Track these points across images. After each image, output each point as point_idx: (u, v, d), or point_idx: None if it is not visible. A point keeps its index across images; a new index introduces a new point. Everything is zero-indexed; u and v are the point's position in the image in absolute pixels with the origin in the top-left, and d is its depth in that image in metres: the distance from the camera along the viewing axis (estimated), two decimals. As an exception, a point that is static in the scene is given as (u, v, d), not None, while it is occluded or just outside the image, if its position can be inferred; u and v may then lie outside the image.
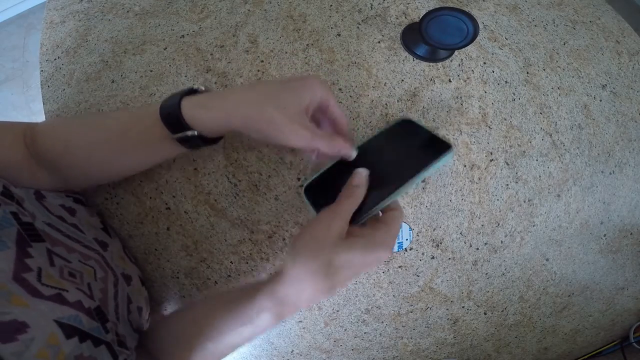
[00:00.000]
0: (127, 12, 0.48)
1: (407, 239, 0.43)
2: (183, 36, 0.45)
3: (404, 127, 0.39)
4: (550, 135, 0.46)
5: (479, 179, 0.44)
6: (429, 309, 0.47)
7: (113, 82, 0.44)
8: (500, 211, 0.45)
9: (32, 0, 1.60)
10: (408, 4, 0.47)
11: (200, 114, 0.30)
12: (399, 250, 0.44)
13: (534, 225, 0.46)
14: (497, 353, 0.53)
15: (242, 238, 0.43)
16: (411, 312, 0.47)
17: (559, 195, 0.46)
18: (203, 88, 0.33)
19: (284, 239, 0.43)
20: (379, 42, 0.45)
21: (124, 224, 0.43)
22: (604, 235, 0.50)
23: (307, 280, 0.29)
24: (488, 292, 0.48)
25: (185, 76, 0.44)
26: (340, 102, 0.43)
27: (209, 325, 0.33)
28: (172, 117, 0.30)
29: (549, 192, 0.46)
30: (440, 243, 0.44)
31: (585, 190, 0.47)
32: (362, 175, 0.32)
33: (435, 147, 0.34)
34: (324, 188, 0.35)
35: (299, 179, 0.42)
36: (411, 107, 0.43)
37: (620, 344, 0.56)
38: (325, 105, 0.32)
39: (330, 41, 0.45)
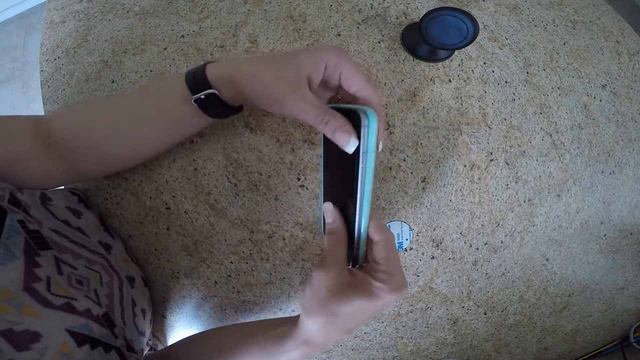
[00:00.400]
0: (127, 12, 0.48)
1: (407, 239, 0.43)
2: (183, 36, 0.45)
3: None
4: (550, 135, 0.46)
5: (479, 179, 0.44)
6: (429, 309, 0.47)
7: (113, 82, 0.44)
8: (500, 211, 0.45)
9: (32, 0, 1.60)
10: (408, 4, 0.47)
11: (218, 69, 0.30)
12: (399, 250, 0.44)
13: (534, 225, 0.46)
14: (497, 353, 0.53)
15: (242, 238, 0.43)
16: (411, 312, 0.47)
17: (559, 195, 0.46)
18: None
19: (284, 239, 0.43)
20: (379, 42, 0.45)
21: (124, 224, 0.43)
22: (604, 235, 0.50)
23: (320, 332, 0.30)
24: (488, 292, 0.48)
25: (185, 76, 0.44)
26: (340, 102, 0.43)
27: (233, 353, 0.34)
28: (196, 75, 0.30)
29: (549, 192, 0.46)
30: (440, 243, 0.44)
31: (585, 190, 0.47)
32: (328, 209, 0.30)
33: (354, 122, 0.26)
34: None
35: (299, 179, 0.42)
36: (411, 107, 0.43)
37: (620, 344, 0.56)
38: (338, 74, 0.29)
39: (330, 41, 0.45)
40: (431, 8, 0.40)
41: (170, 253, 0.43)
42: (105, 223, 0.41)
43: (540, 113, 0.46)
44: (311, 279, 0.30)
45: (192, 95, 0.30)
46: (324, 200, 0.33)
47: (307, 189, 0.42)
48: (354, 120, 0.26)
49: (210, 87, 0.30)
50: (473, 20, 0.37)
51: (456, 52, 0.45)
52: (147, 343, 0.42)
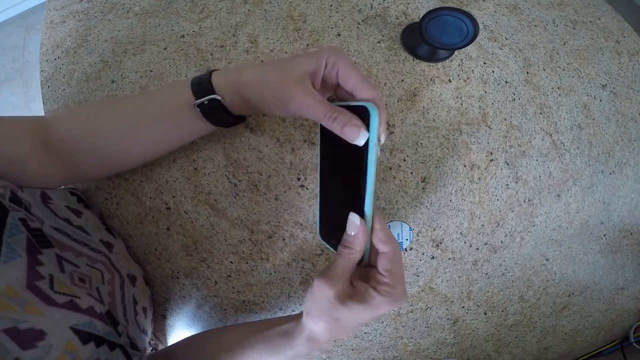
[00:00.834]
0: (127, 12, 0.48)
1: (407, 239, 0.43)
2: (183, 36, 0.45)
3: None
4: (550, 135, 0.46)
5: (479, 179, 0.44)
6: (429, 309, 0.47)
7: (113, 82, 0.44)
8: (500, 211, 0.45)
9: (32, 0, 1.60)
10: (408, 4, 0.47)
11: (224, 76, 0.31)
12: (399, 250, 0.44)
13: (534, 225, 0.46)
14: (497, 353, 0.53)
15: (242, 238, 0.43)
16: (411, 312, 0.47)
17: (559, 195, 0.46)
18: None
19: (283, 239, 0.43)
20: (379, 42, 0.45)
21: (124, 224, 0.43)
22: (604, 235, 0.50)
23: (323, 333, 0.30)
24: (488, 292, 0.48)
25: (185, 76, 0.44)
26: (340, 102, 0.43)
27: (238, 352, 0.34)
28: (202, 81, 0.31)
29: (549, 192, 0.46)
30: (440, 243, 0.44)
31: (585, 190, 0.47)
32: (354, 222, 0.27)
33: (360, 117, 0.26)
34: (331, 224, 0.32)
35: (299, 179, 0.42)
36: (411, 107, 0.43)
37: (620, 344, 0.56)
38: (336, 71, 0.29)
39: (330, 41, 0.45)
40: (431, 8, 0.40)
41: (170, 253, 0.43)
42: (105, 222, 0.41)
43: (540, 113, 0.46)
44: (313, 285, 0.30)
45: (194, 99, 0.30)
46: (321, 201, 0.33)
47: (307, 189, 0.42)
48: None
49: (214, 94, 0.30)
50: (473, 20, 0.37)
51: (456, 52, 0.45)
52: (149, 342, 0.42)
